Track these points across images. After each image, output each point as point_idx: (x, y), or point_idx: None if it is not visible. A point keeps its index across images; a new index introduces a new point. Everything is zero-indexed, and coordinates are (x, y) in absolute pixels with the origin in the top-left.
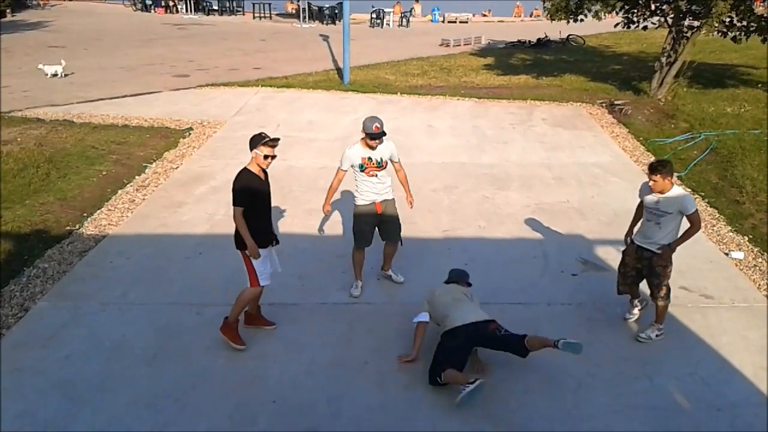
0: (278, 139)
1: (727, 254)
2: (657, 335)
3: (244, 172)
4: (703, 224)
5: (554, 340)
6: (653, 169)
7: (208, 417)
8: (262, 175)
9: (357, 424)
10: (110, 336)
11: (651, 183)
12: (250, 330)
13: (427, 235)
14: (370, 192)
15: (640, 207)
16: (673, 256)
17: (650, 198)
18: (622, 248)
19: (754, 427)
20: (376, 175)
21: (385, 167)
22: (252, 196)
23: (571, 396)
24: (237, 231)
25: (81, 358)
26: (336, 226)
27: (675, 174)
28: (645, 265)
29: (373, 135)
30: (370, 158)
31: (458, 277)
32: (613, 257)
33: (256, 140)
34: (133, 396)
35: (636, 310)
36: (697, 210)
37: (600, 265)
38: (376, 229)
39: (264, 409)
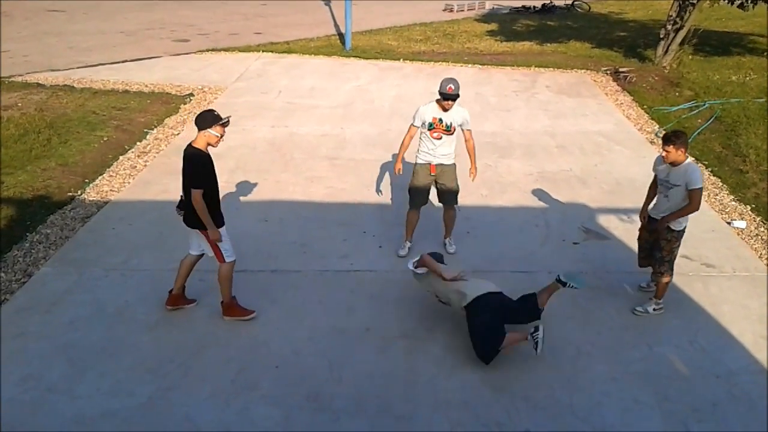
0: (230, 117)
1: (729, 223)
2: (654, 309)
3: (197, 151)
4: (705, 193)
5: (555, 278)
6: (667, 139)
7: (210, 382)
8: (209, 152)
9: (358, 390)
10: (113, 301)
11: (663, 153)
12: (253, 298)
13: (428, 203)
14: (428, 153)
15: (654, 182)
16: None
17: (662, 169)
18: (625, 217)
19: (752, 395)
20: (441, 137)
21: (453, 132)
22: (209, 176)
23: (571, 363)
24: (193, 212)
25: (84, 324)
26: (339, 193)
27: None
28: (654, 239)
29: (446, 96)
30: (441, 120)
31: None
32: (614, 226)
33: (211, 119)
34: (136, 361)
35: (653, 284)
36: (700, 189)
37: (601, 234)
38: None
39: (266, 374)
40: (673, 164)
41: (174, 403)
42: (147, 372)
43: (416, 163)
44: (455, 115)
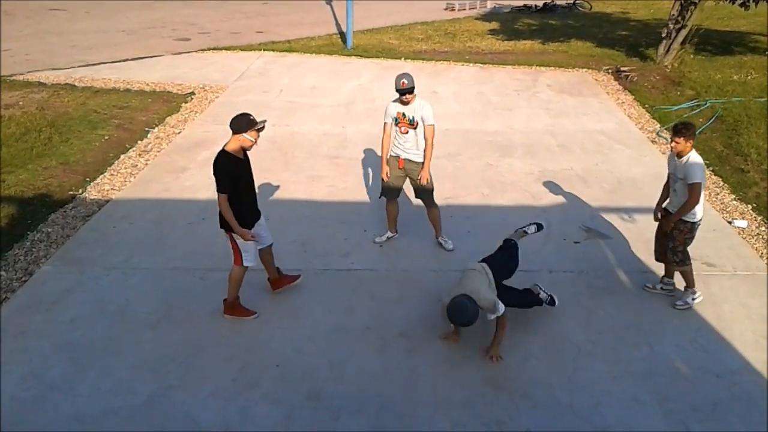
0: (265, 122)
1: (730, 222)
2: (694, 299)
3: (225, 156)
4: (706, 192)
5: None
6: (676, 130)
7: (212, 380)
8: (241, 155)
9: (359, 388)
10: (114, 300)
11: (672, 144)
12: (255, 297)
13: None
14: (397, 146)
15: (668, 178)
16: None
17: (672, 162)
18: (626, 217)
19: (753, 395)
20: (408, 132)
21: (417, 126)
22: (236, 180)
23: (571, 362)
24: (221, 214)
25: (86, 322)
26: (339, 192)
27: None
28: (668, 230)
29: (400, 91)
30: (404, 114)
31: None
32: (615, 225)
33: (246, 123)
34: (137, 359)
35: (659, 286)
36: (699, 183)
37: (602, 233)
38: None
39: (267, 373)
40: (680, 156)
41: (175, 402)
42: (148, 370)
43: (388, 156)
44: (417, 108)
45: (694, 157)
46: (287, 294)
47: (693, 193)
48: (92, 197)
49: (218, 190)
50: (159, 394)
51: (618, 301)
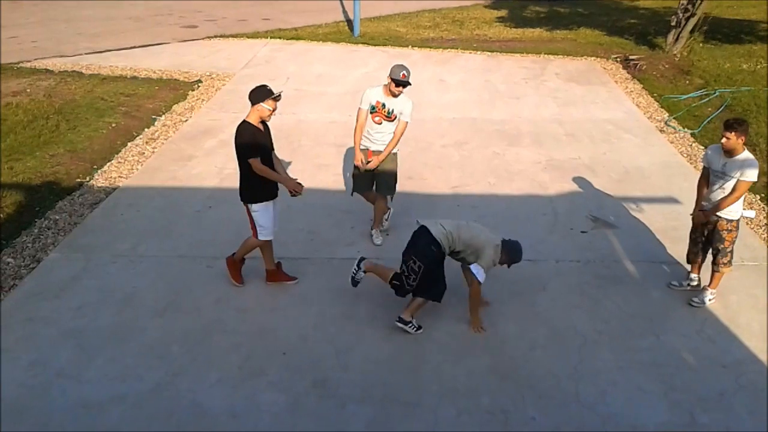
0: (282, 92)
1: None
2: (710, 300)
3: (248, 125)
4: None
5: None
6: (728, 125)
7: (218, 368)
8: (262, 127)
9: (365, 377)
10: (122, 288)
11: (723, 140)
12: (261, 285)
13: (436, 190)
14: (367, 137)
15: (704, 176)
16: (685, 215)
17: (715, 159)
18: (634, 206)
19: (759, 385)
20: (381, 123)
21: (393, 120)
22: (259, 148)
23: (577, 351)
24: (243, 184)
25: (93, 309)
26: (345, 181)
27: (688, 131)
28: (710, 230)
29: (398, 82)
30: (384, 105)
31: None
32: (623, 215)
33: (263, 93)
34: (144, 346)
35: (686, 283)
36: (752, 183)
37: (610, 223)
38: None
39: (274, 360)
40: (731, 154)
41: (182, 389)
42: (155, 358)
43: (359, 148)
44: (400, 103)
45: (749, 155)
46: (293, 282)
47: (742, 189)
48: (99, 185)
49: (248, 157)
50: (166, 381)
51: (624, 291)
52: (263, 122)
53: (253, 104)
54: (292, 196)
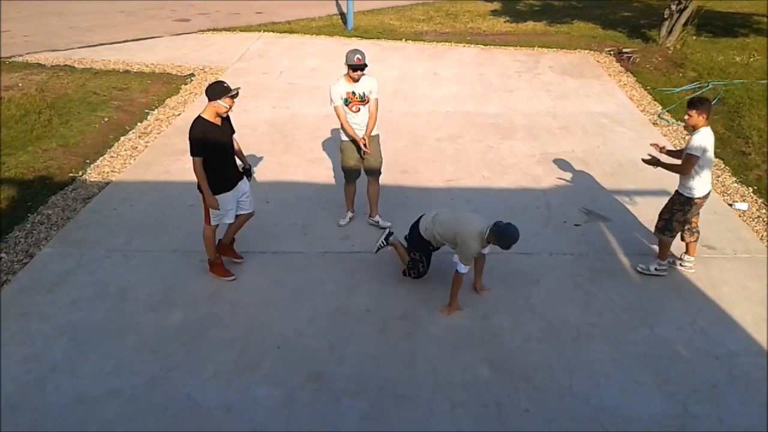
0: (239, 89)
1: (731, 205)
2: (657, 269)
3: (200, 121)
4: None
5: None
6: (690, 103)
7: (213, 362)
8: (219, 122)
9: (359, 370)
10: (115, 282)
11: (686, 117)
12: (255, 279)
13: (430, 184)
14: (352, 127)
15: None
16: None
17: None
18: (627, 199)
19: (751, 376)
20: (359, 109)
21: (368, 102)
22: (210, 145)
23: (571, 344)
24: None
25: (87, 304)
26: (340, 175)
27: (682, 123)
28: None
29: (355, 66)
30: (353, 92)
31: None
32: (616, 207)
33: (219, 91)
34: (139, 341)
35: (678, 263)
36: (694, 156)
37: (603, 216)
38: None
39: (268, 354)
40: (694, 128)
41: (176, 383)
42: (149, 352)
43: (343, 141)
44: (365, 84)
45: (705, 131)
46: (287, 276)
47: (686, 163)
48: (92, 179)
49: (192, 154)
50: (160, 376)
51: (618, 284)
52: (221, 116)
53: (210, 100)
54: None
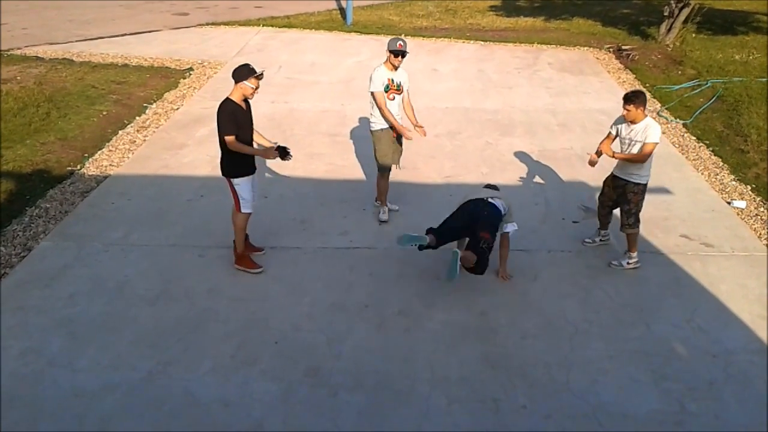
0: (264, 71)
1: (729, 203)
2: (629, 263)
3: (229, 102)
4: (706, 173)
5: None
6: (627, 98)
7: (211, 356)
8: (244, 105)
9: (357, 365)
10: (113, 276)
11: (624, 112)
12: (253, 274)
13: (429, 180)
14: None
15: (608, 137)
16: (676, 205)
17: (623, 127)
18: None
19: (749, 374)
20: (394, 98)
21: (402, 92)
22: (238, 125)
23: (568, 341)
24: (224, 160)
25: (85, 298)
26: (338, 170)
27: (680, 121)
28: (619, 194)
29: (396, 52)
30: (392, 80)
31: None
32: None
33: (246, 72)
34: (137, 335)
35: (597, 239)
36: (655, 144)
37: None
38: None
39: (266, 349)
40: (633, 122)
41: (174, 378)
42: (147, 346)
43: (378, 130)
44: (402, 74)
45: (650, 120)
46: (286, 271)
47: (646, 151)
48: (90, 173)
49: (225, 133)
50: (158, 370)
51: (615, 281)
52: (246, 100)
53: (236, 82)
54: (284, 160)
